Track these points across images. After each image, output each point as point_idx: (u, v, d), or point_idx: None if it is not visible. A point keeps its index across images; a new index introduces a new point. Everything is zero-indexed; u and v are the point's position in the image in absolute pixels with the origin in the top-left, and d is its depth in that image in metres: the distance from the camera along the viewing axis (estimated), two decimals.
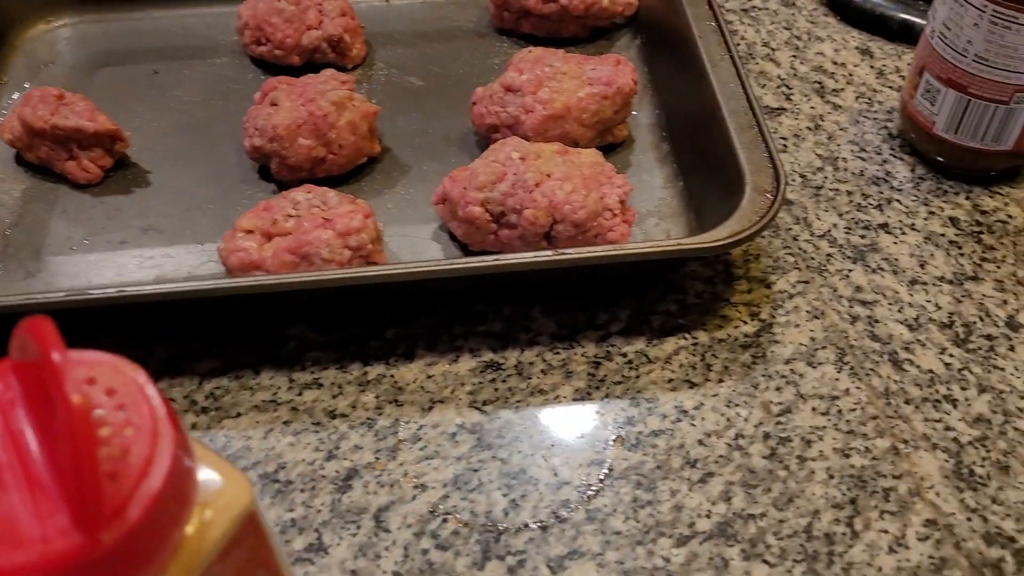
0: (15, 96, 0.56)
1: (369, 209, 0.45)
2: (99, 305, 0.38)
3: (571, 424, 0.40)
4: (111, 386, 0.21)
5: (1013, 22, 0.43)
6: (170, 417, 0.21)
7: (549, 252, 0.41)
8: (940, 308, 0.45)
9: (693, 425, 0.40)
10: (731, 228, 0.41)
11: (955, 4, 0.45)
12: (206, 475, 0.22)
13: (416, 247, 0.47)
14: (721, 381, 0.42)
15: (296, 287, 0.39)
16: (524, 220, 0.44)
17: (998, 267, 0.46)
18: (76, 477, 0.18)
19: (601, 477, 0.39)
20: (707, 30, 0.53)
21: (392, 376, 0.42)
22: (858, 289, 0.45)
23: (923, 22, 0.58)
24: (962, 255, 0.47)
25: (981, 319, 0.44)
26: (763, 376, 0.42)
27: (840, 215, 0.49)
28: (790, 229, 0.48)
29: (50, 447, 0.19)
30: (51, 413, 0.19)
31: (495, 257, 0.41)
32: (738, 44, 0.59)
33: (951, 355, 0.43)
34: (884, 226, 0.48)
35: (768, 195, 0.43)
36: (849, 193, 0.50)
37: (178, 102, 0.55)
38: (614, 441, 0.40)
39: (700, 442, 0.40)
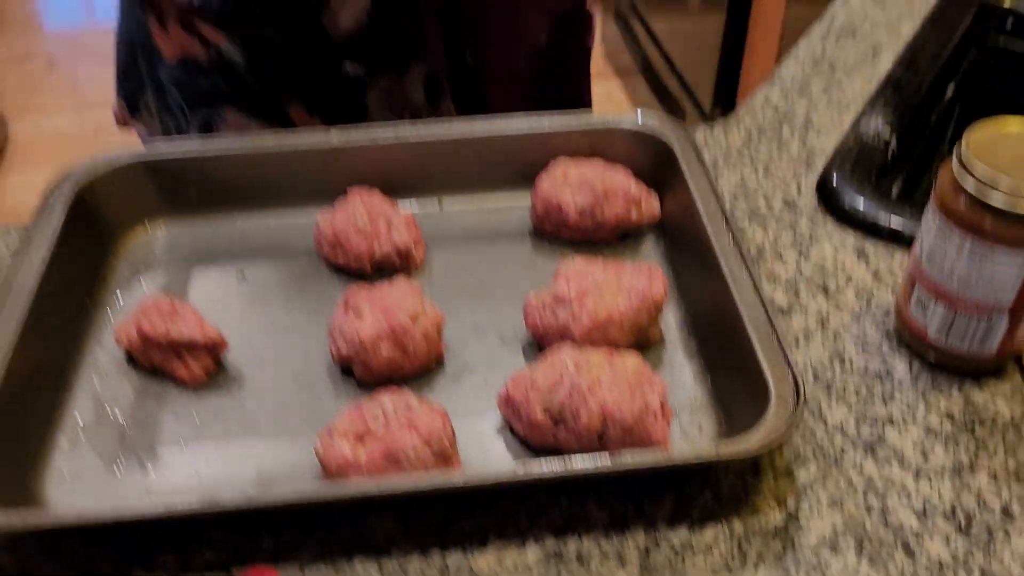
0: (118, 293, 0.64)
1: (445, 412, 0.52)
2: (229, 510, 0.44)
3: None
4: None
5: (989, 254, 0.51)
6: None
7: (607, 458, 0.47)
8: (943, 498, 0.51)
9: None
10: (760, 437, 0.48)
11: (939, 236, 0.54)
12: None
13: (483, 442, 0.54)
14: (757, 568, 0.48)
15: (399, 494, 0.46)
16: (580, 425, 0.51)
17: (991, 459, 0.53)
18: None
19: None
20: (722, 235, 0.61)
21: (470, 565, 0.48)
22: (870, 480, 0.52)
23: (911, 228, 0.66)
24: (959, 447, 0.54)
25: (979, 509, 0.51)
26: (793, 563, 0.48)
27: (849, 409, 0.56)
28: (807, 423, 0.55)
29: None
30: None
31: (561, 460, 0.48)
32: (749, 248, 0.68)
33: (956, 544, 0.49)
34: (889, 419, 0.56)
35: (790, 403, 0.50)
36: (856, 389, 0.57)
37: (264, 304, 0.63)
38: None
39: None
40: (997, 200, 0.50)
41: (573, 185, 0.66)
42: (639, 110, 0.72)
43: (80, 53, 2.97)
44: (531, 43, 0.91)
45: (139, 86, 0.88)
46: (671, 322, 0.62)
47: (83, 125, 2.66)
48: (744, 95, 2.06)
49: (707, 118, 2.14)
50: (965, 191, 0.51)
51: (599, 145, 0.70)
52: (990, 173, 0.50)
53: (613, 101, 2.70)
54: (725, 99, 2.12)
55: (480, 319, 0.62)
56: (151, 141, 0.88)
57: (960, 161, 0.51)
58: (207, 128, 0.84)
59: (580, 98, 1.01)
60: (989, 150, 0.51)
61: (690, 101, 2.23)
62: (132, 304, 0.63)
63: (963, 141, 0.52)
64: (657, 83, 2.44)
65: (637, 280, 0.58)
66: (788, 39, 1.81)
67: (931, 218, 0.54)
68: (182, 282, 0.65)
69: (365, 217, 0.64)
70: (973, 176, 0.50)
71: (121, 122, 0.93)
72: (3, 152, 2.53)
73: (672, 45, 2.33)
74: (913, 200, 0.81)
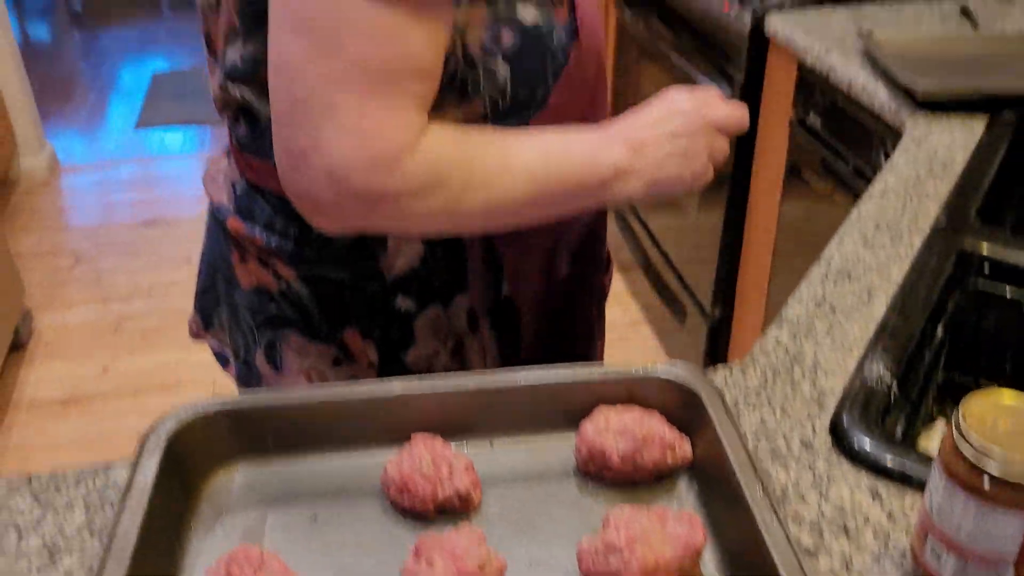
0: (200, 535, 0.70)
1: None
2: None
3: None
4: None
5: (990, 514, 0.59)
6: None
7: None
8: None
9: None
10: None
11: (946, 494, 0.61)
12: None
13: None
14: None
15: None
16: None
17: None
18: None
19: None
20: (752, 483, 0.68)
21: None
22: None
23: (917, 471, 0.73)
24: None
25: None
26: None
27: None
28: None
29: None
30: None
31: None
32: (775, 488, 0.75)
33: None
34: None
35: None
36: None
37: (336, 546, 0.69)
38: None
39: None
40: (992, 468, 0.57)
41: (614, 431, 0.74)
42: (672, 361, 0.81)
43: (104, 248, 3.13)
44: (556, 274, 1.02)
45: (215, 304, 0.99)
46: (708, 562, 0.68)
47: (106, 317, 2.77)
48: (742, 294, 2.19)
49: (707, 315, 2.26)
50: (965, 457, 0.59)
51: (635, 391, 0.79)
52: (985, 444, 0.58)
53: (614, 295, 2.84)
54: (724, 296, 2.24)
55: (535, 558, 0.68)
56: (248, 390, 0.97)
57: (958, 431, 0.59)
58: (271, 347, 0.94)
59: (591, 334, 1.11)
60: (984, 421, 0.59)
61: (690, 298, 2.35)
62: (212, 545, 0.69)
63: (960, 412, 0.60)
64: (657, 280, 2.58)
65: (679, 528, 0.65)
66: (782, 238, 1.94)
67: (937, 477, 0.62)
68: (258, 524, 0.71)
69: (430, 463, 0.71)
70: (970, 445, 0.58)
71: (195, 334, 1.03)
72: (26, 345, 2.63)
73: (671, 243, 2.48)
74: (915, 435, 0.89)
